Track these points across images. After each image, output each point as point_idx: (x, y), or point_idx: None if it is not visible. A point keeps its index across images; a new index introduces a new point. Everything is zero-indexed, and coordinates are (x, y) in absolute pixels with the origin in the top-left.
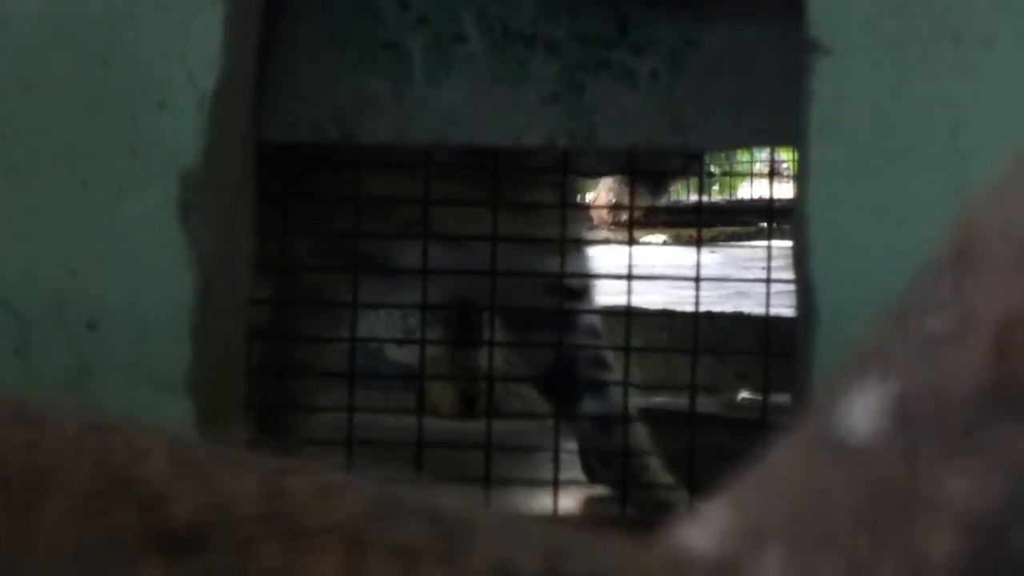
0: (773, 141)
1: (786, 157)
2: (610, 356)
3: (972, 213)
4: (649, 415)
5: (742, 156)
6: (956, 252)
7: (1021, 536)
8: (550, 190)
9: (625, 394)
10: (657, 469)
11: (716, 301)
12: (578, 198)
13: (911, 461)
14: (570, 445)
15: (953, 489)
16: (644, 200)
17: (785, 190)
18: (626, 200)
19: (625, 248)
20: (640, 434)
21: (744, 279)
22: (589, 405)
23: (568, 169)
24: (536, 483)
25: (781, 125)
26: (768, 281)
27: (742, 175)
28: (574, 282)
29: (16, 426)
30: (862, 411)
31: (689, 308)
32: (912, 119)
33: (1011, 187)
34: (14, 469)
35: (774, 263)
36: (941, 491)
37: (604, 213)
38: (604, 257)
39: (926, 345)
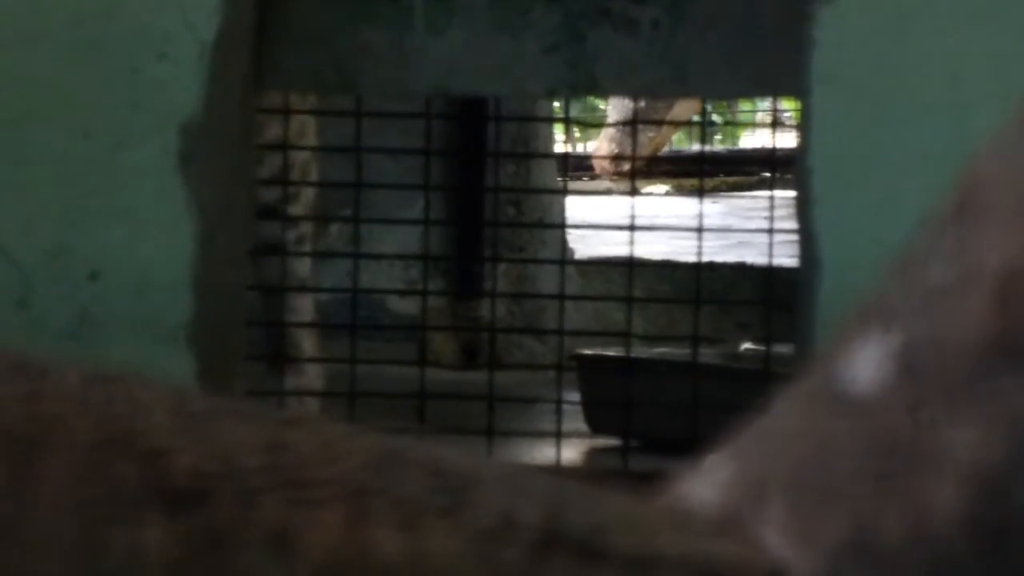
0: (774, 91)
1: (788, 106)
2: None
3: (974, 164)
4: (651, 365)
5: (744, 105)
6: (958, 203)
7: (1022, 487)
8: None
9: (628, 344)
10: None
11: (718, 251)
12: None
13: (914, 412)
14: (572, 396)
15: (956, 440)
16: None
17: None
18: (627, 150)
19: (627, 198)
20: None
21: (746, 229)
22: None
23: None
24: (538, 434)
25: (783, 74)
26: (770, 231)
27: (744, 124)
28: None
29: (17, 377)
30: (865, 362)
31: (691, 258)
32: (914, 68)
33: (1013, 137)
34: (15, 420)
35: (776, 213)
36: (944, 442)
37: (606, 163)
38: (606, 207)
39: (929, 296)
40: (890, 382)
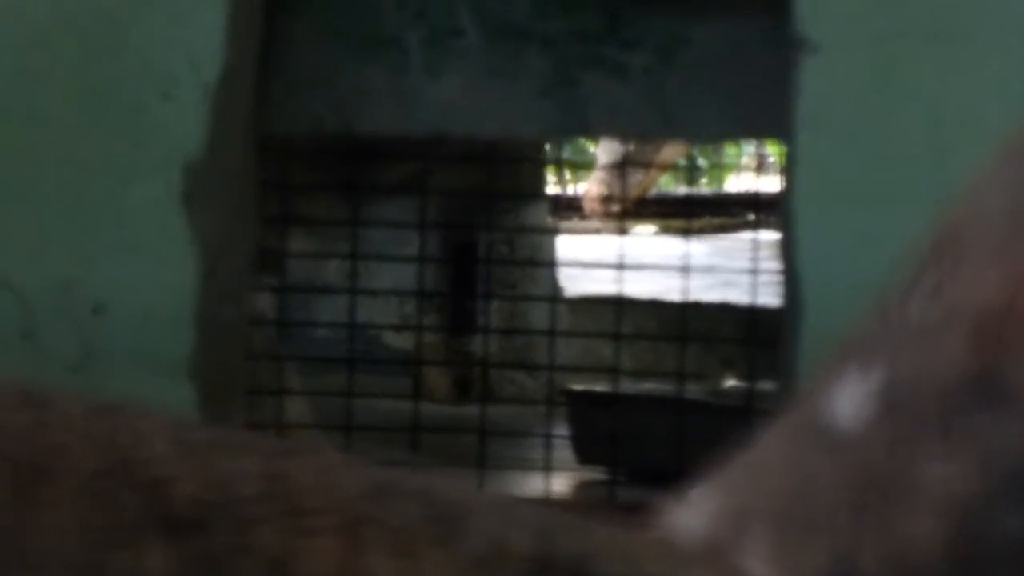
0: (760, 134)
1: (773, 150)
2: None
3: (953, 206)
4: (638, 401)
5: (730, 149)
6: (937, 244)
7: (1000, 519)
8: None
9: (615, 380)
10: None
11: (704, 290)
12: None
13: (894, 447)
14: (562, 430)
15: (934, 475)
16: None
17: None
18: (617, 191)
19: (616, 238)
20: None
21: (731, 269)
22: None
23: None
24: (528, 467)
25: (768, 119)
26: (755, 271)
27: (730, 168)
28: None
29: (22, 408)
30: (847, 399)
31: (678, 297)
32: (895, 114)
33: (990, 180)
34: (21, 449)
35: (760, 254)
36: (923, 476)
37: (596, 204)
38: (595, 246)
39: (910, 335)
40: (870, 418)
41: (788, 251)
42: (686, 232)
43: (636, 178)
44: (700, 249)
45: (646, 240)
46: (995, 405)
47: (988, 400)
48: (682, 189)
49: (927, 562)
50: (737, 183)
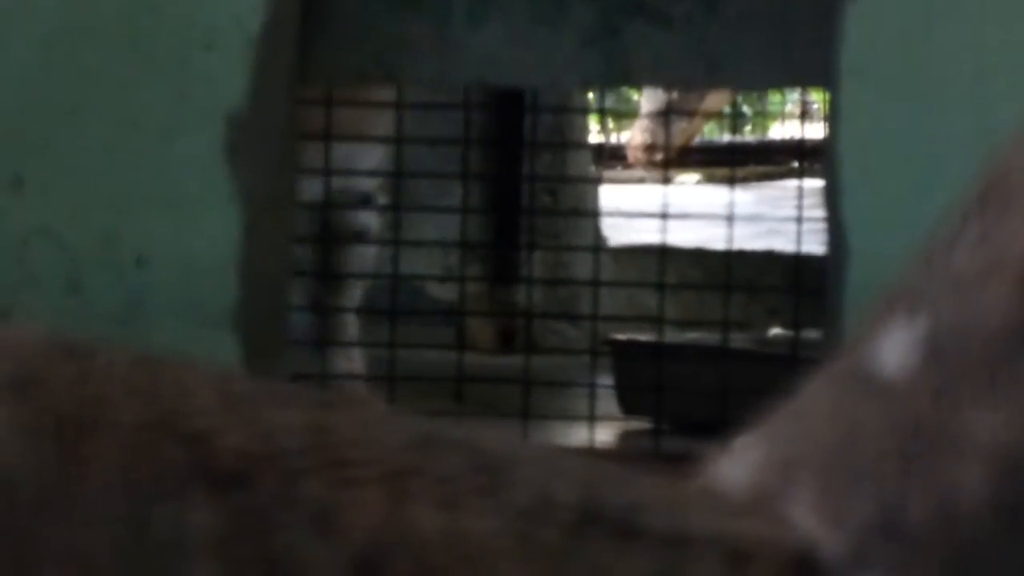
0: (804, 83)
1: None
2: None
3: (998, 154)
4: (682, 350)
5: (774, 97)
6: (983, 193)
7: None
8: None
9: (660, 330)
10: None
11: (748, 239)
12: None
13: (940, 396)
14: (606, 380)
15: (980, 423)
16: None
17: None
18: (660, 140)
19: (659, 187)
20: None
21: (776, 218)
22: None
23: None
24: (572, 417)
25: (812, 67)
26: (799, 220)
27: (774, 115)
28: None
29: (67, 361)
30: (892, 347)
31: (722, 246)
32: (940, 61)
33: None
34: (65, 402)
35: (805, 202)
36: (969, 425)
37: (639, 153)
38: (639, 196)
39: (955, 283)
40: (916, 367)
41: (833, 199)
42: (730, 180)
43: (680, 127)
44: (744, 197)
45: (690, 189)
46: None
47: None
48: (726, 137)
49: (973, 511)
50: (781, 131)
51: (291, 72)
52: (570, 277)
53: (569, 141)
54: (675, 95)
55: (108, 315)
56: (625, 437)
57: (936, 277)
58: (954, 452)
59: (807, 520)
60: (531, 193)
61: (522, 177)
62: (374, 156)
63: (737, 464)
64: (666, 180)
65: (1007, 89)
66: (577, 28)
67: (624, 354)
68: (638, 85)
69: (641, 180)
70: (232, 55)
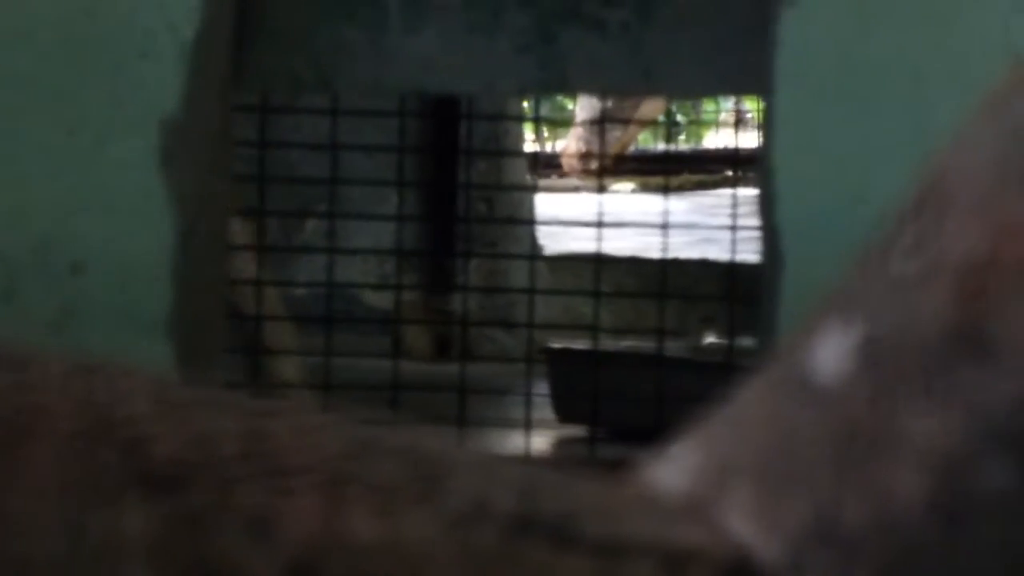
0: (739, 89)
1: (751, 107)
2: None
3: (935, 159)
4: (618, 358)
5: (708, 105)
6: (919, 198)
7: (983, 473)
8: None
9: (595, 338)
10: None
11: (683, 247)
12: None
13: (877, 401)
14: (542, 388)
15: (917, 428)
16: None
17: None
18: (595, 148)
19: (595, 196)
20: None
21: (710, 226)
22: None
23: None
24: (508, 424)
25: (747, 73)
26: (734, 228)
27: (708, 124)
28: None
29: (1, 368)
30: (828, 353)
31: (657, 254)
32: (876, 68)
33: (973, 133)
34: (0, 409)
35: (739, 210)
36: (906, 430)
37: (574, 161)
38: (574, 204)
39: (891, 289)
40: (852, 372)
41: (767, 207)
42: (665, 189)
43: (615, 135)
44: (679, 206)
45: (625, 197)
46: (978, 359)
47: (971, 354)
48: (661, 146)
49: (910, 516)
50: (716, 140)
51: (226, 78)
52: (506, 285)
53: (505, 149)
54: (610, 104)
55: (43, 322)
56: (561, 444)
57: (872, 283)
58: (890, 457)
59: (743, 526)
60: (467, 201)
61: (458, 185)
62: None
63: (673, 471)
64: (601, 188)
65: (942, 95)
66: (513, 35)
67: (560, 362)
68: (574, 92)
69: (576, 188)
70: (167, 61)
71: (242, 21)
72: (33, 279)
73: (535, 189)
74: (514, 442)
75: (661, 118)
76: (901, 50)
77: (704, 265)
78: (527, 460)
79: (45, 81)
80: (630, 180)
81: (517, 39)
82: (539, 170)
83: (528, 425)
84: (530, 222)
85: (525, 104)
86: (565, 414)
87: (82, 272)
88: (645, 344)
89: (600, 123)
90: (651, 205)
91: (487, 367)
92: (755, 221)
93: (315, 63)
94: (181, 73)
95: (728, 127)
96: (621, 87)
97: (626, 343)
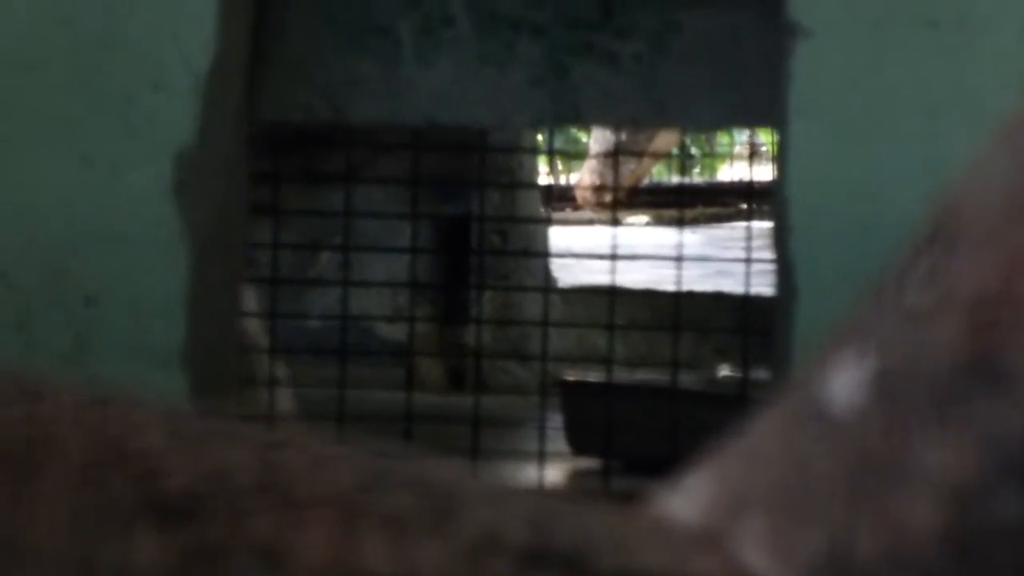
0: (753, 122)
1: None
2: None
3: (949, 190)
4: (632, 390)
5: (722, 138)
6: (933, 229)
7: (996, 505)
8: None
9: (609, 370)
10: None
11: (697, 280)
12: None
13: (890, 433)
14: (555, 419)
15: (931, 460)
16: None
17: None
18: (609, 181)
19: (608, 228)
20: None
21: (724, 258)
22: None
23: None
24: (522, 455)
25: (761, 106)
26: (748, 260)
27: (722, 157)
28: None
29: (15, 399)
30: (842, 385)
31: (671, 287)
32: (889, 100)
33: (986, 164)
34: (12, 442)
35: (754, 243)
36: (919, 462)
37: (588, 194)
38: (588, 237)
39: (905, 320)
40: (866, 404)
41: (781, 239)
42: (679, 222)
43: (629, 167)
44: (693, 239)
45: (639, 230)
46: (991, 390)
47: (984, 385)
48: (675, 178)
49: (923, 547)
50: (730, 173)
51: (239, 111)
52: (519, 317)
53: (518, 182)
54: (624, 137)
55: (57, 354)
56: (574, 476)
57: (885, 314)
58: (904, 489)
59: (757, 558)
60: (481, 234)
61: (472, 218)
62: None
63: (686, 502)
64: (615, 221)
65: (955, 128)
66: (526, 68)
67: (573, 394)
68: (587, 125)
69: (590, 221)
70: (180, 93)
71: (255, 54)
72: (47, 311)
73: (549, 221)
74: (528, 474)
75: (675, 151)
76: (914, 83)
77: (718, 298)
78: (541, 492)
79: (59, 112)
80: (644, 213)
81: (530, 72)
82: (553, 202)
83: (542, 457)
84: (544, 254)
85: (539, 137)
86: (579, 446)
87: (96, 304)
88: (659, 376)
89: (614, 156)
90: (665, 238)
91: (501, 399)
92: (769, 254)
93: (328, 95)
94: (195, 105)
95: (742, 160)
96: (635, 120)
97: (640, 375)
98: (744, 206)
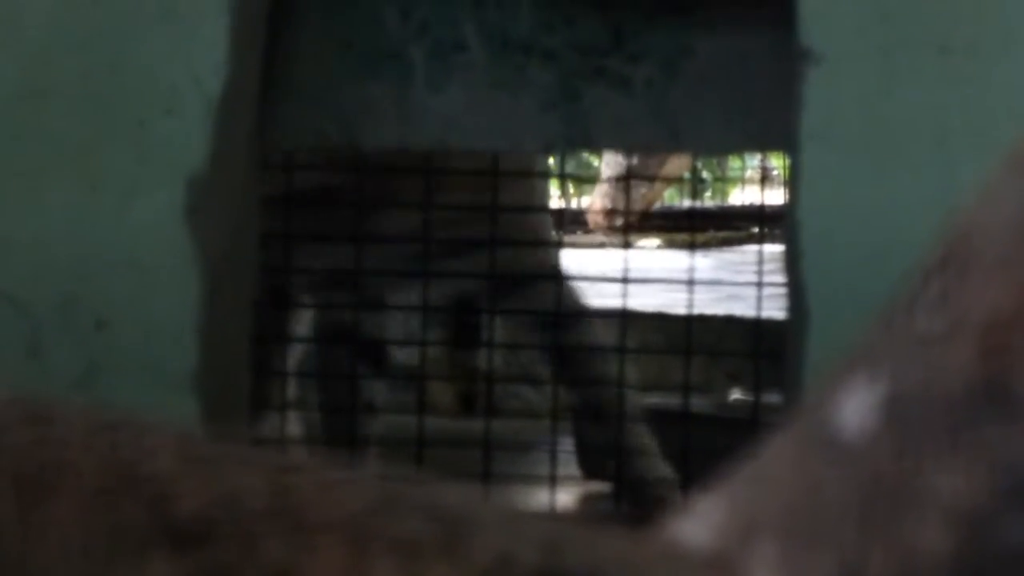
0: (764, 147)
1: (777, 163)
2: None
3: (960, 216)
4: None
5: (734, 162)
6: (944, 255)
7: (1007, 529)
8: None
9: (620, 394)
10: (653, 466)
11: (709, 304)
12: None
13: (901, 458)
14: (567, 443)
15: (942, 485)
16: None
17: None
18: (621, 205)
19: (620, 252)
20: (638, 430)
21: (736, 282)
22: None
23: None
24: (534, 479)
25: (772, 131)
26: (760, 284)
27: (734, 181)
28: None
29: (27, 424)
30: (853, 409)
31: (682, 310)
32: (900, 125)
33: (997, 190)
34: (24, 466)
35: (765, 267)
36: (930, 487)
37: (600, 217)
38: (600, 260)
39: (915, 345)
40: (877, 429)
41: (793, 263)
42: (691, 245)
43: (640, 191)
44: (705, 262)
45: (650, 253)
46: (1003, 415)
47: (996, 410)
48: (686, 203)
49: (934, 572)
50: (741, 196)
51: (251, 135)
52: (531, 341)
53: (530, 206)
54: (635, 160)
55: (68, 379)
56: (586, 500)
57: (897, 339)
58: (916, 513)
59: None
60: (492, 256)
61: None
62: None
63: (698, 526)
64: (627, 245)
65: (967, 153)
66: (537, 92)
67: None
68: (599, 149)
69: (602, 245)
70: (192, 118)
71: (268, 78)
72: (58, 336)
73: (561, 245)
74: (539, 498)
75: (687, 175)
76: (926, 107)
77: (730, 321)
78: (552, 516)
79: (69, 137)
80: (656, 236)
81: (541, 96)
82: (565, 226)
83: (553, 481)
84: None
85: (550, 161)
86: (591, 470)
87: (107, 328)
88: (670, 400)
89: (626, 180)
90: (677, 261)
91: (512, 422)
92: (781, 278)
93: (340, 120)
94: (207, 129)
95: (754, 184)
96: (646, 144)
97: (651, 399)
98: (756, 230)
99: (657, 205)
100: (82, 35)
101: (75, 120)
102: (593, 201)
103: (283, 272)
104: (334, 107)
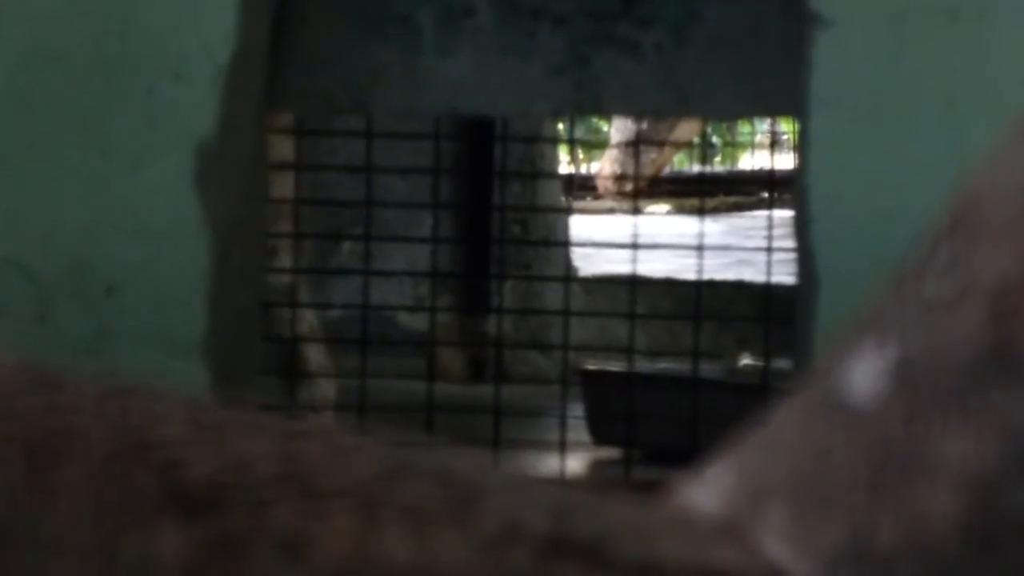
0: (774, 111)
1: (786, 128)
2: None
3: (968, 181)
4: (653, 380)
5: (743, 127)
6: (953, 219)
7: (1016, 494)
8: None
9: (630, 359)
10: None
11: (718, 269)
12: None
13: (910, 423)
14: (576, 408)
15: (951, 450)
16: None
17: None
18: (630, 170)
19: (629, 218)
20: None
21: (745, 248)
22: None
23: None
24: (543, 445)
25: (782, 96)
26: (769, 249)
27: (743, 146)
28: None
29: (36, 390)
30: (862, 374)
31: (692, 276)
32: (910, 90)
33: (1006, 155)
34: (34, 432)
35: (775, 232)
36: (939, 452)
37: (609, 183)
38: (609, 226)
39: (924, 310)
40: (886, 394)
41: (802, 228)
42: (700, 211)
43: (650, 157)
44: (714, 227)
45: (660, 219)
46: (1012, 379)
47: (1005, 374)
48: (696, 168)
49: (944, 537)
50: (751, 161)
51: (260, 101)
52: (541, 307)
53: (539, 171)
54: (645, 126)
55: (78, 344)
56: (596, 466)
57: (906, 304)
58: (925, 478)
59: (778, 548)
60: (501, 223)
61: (492, 207)
62: None
63: (707, 492)
64: (636, 210)
65: (976, 116)
66: (547, 57)
67: (594, 383)
68: (608, 114)
69: (611, 210)
70: (201, 84)
71: (277, 44)
72: (68, 302)
73: (570, 211)
74: (549, 464)
75: (696, 140)
76: (935, 72)
77: (739, 287)
78: (562, 482)
79: (79, 104)
80: (665, 202)
81: (551, 61)
82: (574, 192)
83: (563, 447)
84: (565, 244)
85: (560, 126)
86: (600, 436)
87: (117, 295)
88: (680, 366)
89: (635, 145)
90: (686, 227)
91: (522, 389)
92: (790, 243)
93: (350, 86)
94: (216, 96)
95: (763, 149)
96: (656, 109)
97: (661, 365)
98: (765, 195)
99: (666, 170)
100: (91, 2)
101: (84, 87)
102: (602, 166)
103: None
104: (342, 72)
